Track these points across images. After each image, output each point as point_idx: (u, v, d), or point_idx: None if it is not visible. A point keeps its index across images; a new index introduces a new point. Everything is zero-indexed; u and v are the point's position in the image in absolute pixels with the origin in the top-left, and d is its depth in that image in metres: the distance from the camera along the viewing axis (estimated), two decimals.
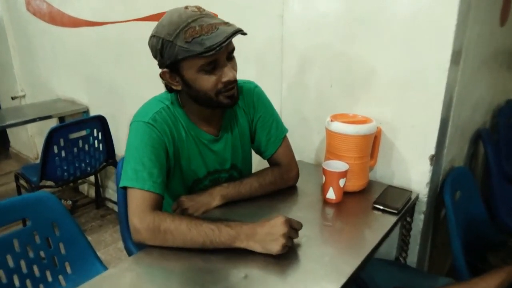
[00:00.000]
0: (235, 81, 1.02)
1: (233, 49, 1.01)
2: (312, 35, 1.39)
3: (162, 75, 1.02)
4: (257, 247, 0.91)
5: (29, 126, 3.32)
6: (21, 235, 1.21)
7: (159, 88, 1.12)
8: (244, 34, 0.95)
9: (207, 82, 0.98)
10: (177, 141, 1.07)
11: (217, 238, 0.91)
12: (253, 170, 1.26)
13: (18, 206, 1.23)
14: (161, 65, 1.00)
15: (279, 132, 1.22)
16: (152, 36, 0.98)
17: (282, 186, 1.22)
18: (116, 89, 2.45)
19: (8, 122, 2.49)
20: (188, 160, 1.11)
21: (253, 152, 1.27)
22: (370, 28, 1.24)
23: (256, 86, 1.21)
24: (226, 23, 0.95)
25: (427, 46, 1.14)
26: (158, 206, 0.99)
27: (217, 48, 0.90)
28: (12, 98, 3.38)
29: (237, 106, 1.17)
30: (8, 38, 3.25)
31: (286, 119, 1.55)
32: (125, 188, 1.00)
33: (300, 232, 0.97)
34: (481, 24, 1.37)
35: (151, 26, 0.99)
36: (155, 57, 1.01)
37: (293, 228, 0.93)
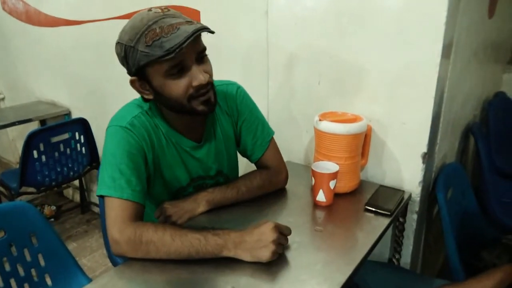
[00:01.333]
0: (209, 84, 0.95)
1: (204, 49, 0.94)
2: (299, 31, 1.34)
3: (131, 84, 0.96)
4: (245, 256, 0.86)
5: (10, 129, 3.21)
6: None
7: None
8: (211, 32, 0.89)
9: (176, 88, 0.92)
10: (157, 148, 1.01)
11: (204, 248, 0.86)
12: (241, 173, 1.21)
13: None
14: (129, 73, 0.95)
15: (265, 134, 1.16)
16: (116, 43, 0.92)
17: (270, 190, 1.17)
18: (98, 90, 2.37)
19: None
20: (170, 167, 1.05)
21: (239, 156, 1.22)
22: (359, 23, 1.20)
23: (239, 87, 1.16)
24: (189, 22, 0.88)
25: (417, 40, 1.10)
26: (139, 216, 0.94)
27: (177, 50, 0.84)
28: None
29: (220, 110, 1.11)
30: None
31: (274, 119, 1.50)
32: (102, 197, 0.94)
33: (290, 238, 0.92)
34: (470, 16, 1.34)
35: None
36: (122, 64, 0.95)
37: (283, 233, 0.89)
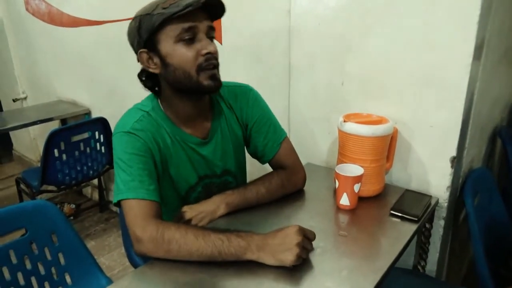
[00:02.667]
0: (216, 59, 0.96)
1: (214, 28, 0.96)
2: (322, 30, 1.31)
3: (139, 57, 0.97)
4: (269, 259, 0.84)
5: (31, 128, 3.27)
6: (18, 245, 1.16)
7: None
8: (223, 6, 0.94)
9: (186, 54, 0.92)
10: (163, 148, 1.01)
11: (227, 249, 0.84)
12: (256, 175, 1.18)
13: (14, 215, 1.18)
14: (138, 47, 0.96)
15: (277, 136, 1.14)
16: (131, 21, 0.96)
17: (290, 190, 1.15)
18: (118, 89, 2.38)
19: (8, 126, 2.44)
20: (177, 167, 1.04)
21: (248, 157, 1.20)
22: (385, 21, 1.16)
23: (251, 89, 1.14)
24: None
25: (448, 39, 1.06)
26: (158, 214, 0.92)
27: (194, 4, 0.86)
28: (14, 100, 3.33)
29: (228, 109, 1.11)
30: (8, 39, 3.20)
31: (295, 119, 1.48)
32: (119, 204, 0.94)
33: (314, 243, 0.90)
34: (502, 16, 1.28)
35: None
36: (132, 43, 0.97)
37: (307, 237, 0.87)
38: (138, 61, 0.98)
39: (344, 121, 1.15)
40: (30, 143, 3.48)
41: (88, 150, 2.28)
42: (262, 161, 1.17)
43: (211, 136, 1.07)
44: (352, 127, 1.12)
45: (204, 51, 0.92)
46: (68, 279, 1.25)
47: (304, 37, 1.37)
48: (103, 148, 2.36)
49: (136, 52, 0.98)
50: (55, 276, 1.23)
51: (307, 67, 1.39)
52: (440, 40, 1.08)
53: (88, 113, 2.67)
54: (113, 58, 2.31)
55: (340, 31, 1.27)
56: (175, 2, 0.88)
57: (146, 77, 1.02)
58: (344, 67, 1.30)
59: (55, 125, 2.70)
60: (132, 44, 0.98)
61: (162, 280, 0.85)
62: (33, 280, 1.19)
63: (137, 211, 0.90)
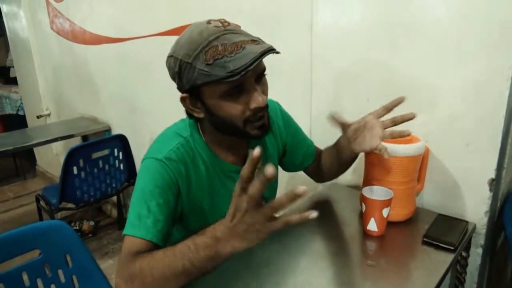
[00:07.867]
0: (266, 107, 0.87)
1: (264, 69, 0.86)
2: (346, 45, 1.25)
3: (182, 101, 0.88)
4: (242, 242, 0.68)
5: (54, 144, 3.31)
6: (31, 267, 1.13)
7: (181, 106, 1.00)
8: (277, 52, 0.81)
9: (232, 109, 0.83)
10: (195, 182, 0.92)
11: (196, 254, 0.70)
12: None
13: (28, 236, 1.15)
14: (180, 89, 0.87)
15: (310, 141, 1.19)
16: (170, 56, 0.85)
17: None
18: (137, 106, 2.38)
19: (32, 142, 2.47)
20: (211, 199, 0.96)
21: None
22: (414, 33, 1.09)
23: (279, 105, 1.12)
24: (255, 41, 0.81)
25: (484, 50, 0.98)
26: None
27: (242, 73, 0.76)
28: (38, 117, 3.39)
29: None
30: (34, 58, 3.28)
31: (317, 138, 1.40)
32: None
33: (339, 276, 0.82)
34: None
35: (172, 40, 0.88)
36: (173, 79, 0.88)
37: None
38: (181, 102, 0.89)
39: None
40: (53, 159, 3.53)
41: (106, 167, 2.27)
42: (302, 167, 1.19)
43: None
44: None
45: (253, 106, 0.83)
46: None
47: (327, 52, 1.31)
48: (121, 165, 2.35)
49: (179, 90, 0.89)
50: None
51: (330, 83, 1.33)
52: (476, 52, 1.00)
53: (109, 130, 2.68)
54: (133, 75, 2.32)
55: (365, 45, 1.21)
56: (221, 58, 0.76)
57: None
58: (369, 83, 1.23)
59: (77, 141, 2.72)
60: (173, 80, 0.89)
61: None
62: None
63: (133, 249, 0.79)
